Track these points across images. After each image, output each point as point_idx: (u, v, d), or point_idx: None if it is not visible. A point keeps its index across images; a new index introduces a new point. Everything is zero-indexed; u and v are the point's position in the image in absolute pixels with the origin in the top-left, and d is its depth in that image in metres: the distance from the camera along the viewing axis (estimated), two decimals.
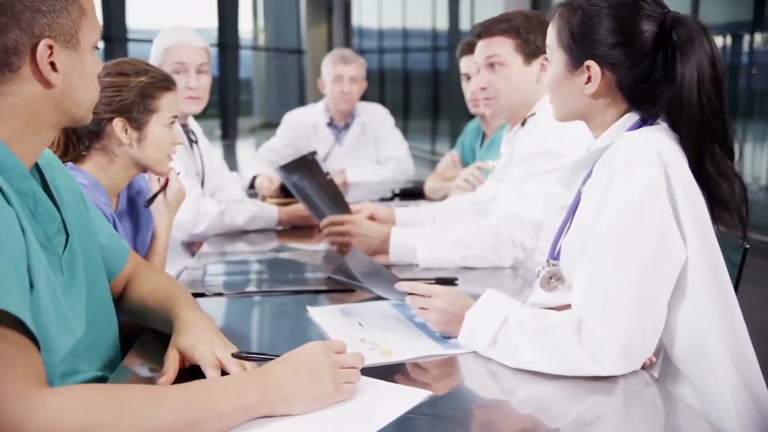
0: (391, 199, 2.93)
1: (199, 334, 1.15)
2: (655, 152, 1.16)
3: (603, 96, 1.28)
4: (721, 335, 1.17)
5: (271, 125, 20.37)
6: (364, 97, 3.47)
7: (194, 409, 0.93)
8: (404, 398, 1.07)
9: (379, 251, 1.86)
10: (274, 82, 19.68)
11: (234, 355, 1.11)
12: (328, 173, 2.14)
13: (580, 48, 1.28)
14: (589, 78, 1.27)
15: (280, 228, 2.37)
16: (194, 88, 2.29)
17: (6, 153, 1.01)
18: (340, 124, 3.41)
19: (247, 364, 1.11)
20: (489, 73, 1.96)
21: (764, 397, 1.21)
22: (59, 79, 1.03)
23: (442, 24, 11.44)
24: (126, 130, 1.59)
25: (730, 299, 1.20)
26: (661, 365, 1.22)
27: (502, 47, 1.93)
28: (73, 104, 1.07)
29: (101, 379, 1.20)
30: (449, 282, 1.66)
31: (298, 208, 2.38)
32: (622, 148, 1.18)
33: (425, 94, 12.37)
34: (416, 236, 1.87)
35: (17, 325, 0.87)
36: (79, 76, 1.06)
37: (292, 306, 1.57)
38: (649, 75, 1.24)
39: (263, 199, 2.90)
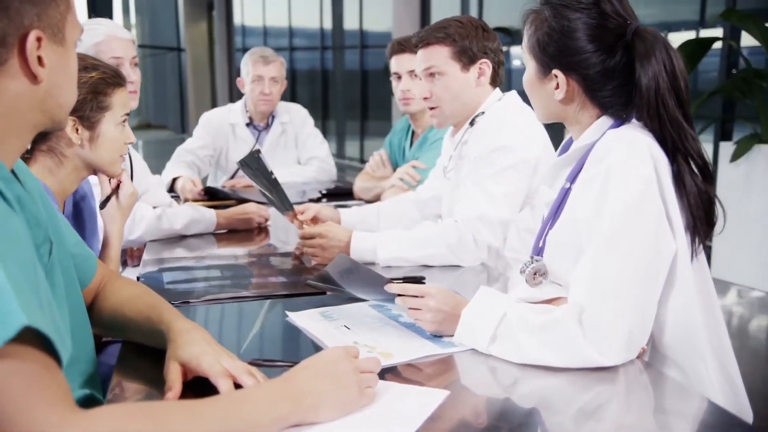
0: (319, 199, 2.89)
1: (201, 345, 1.09)
2: (646, 149, 1.22)
3: (573, 101, 1.34)
4: (705, 321, 1.25)
5: (149, 126, 19.62)
6: None
7: (231, 423, 0.88)
8: (426, 399, 1.07)
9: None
10: (151, 82, 18.90)
11: (251, 362, 1.06)
12: (272, 172, 2.09)
13: (546, 57, 1.32)
14: (558, 85, 1.32)
15: (218, 232, 2.29)
16: (134, 81, 2.18)
17: None
18: (260, 125, 3.33)
19: (257, 374, 1.07)
20: (429, 82, 1.98)
21: (737, 378, 1.30)
22: (45, 75, 0.95)
23: (329, 23, 11.45)
24: (77, 129, 1.49)
25: (710, 287, 1.28)
26: (650, 353, 1.28)
27: (439, 56, 1.94)
28: (56, 105, 0.99)
29: (90, 398, 1.11)
30: (417, 281, 1.66)
31: (236, 211, 2.31)
32: (614, 145, 1.23)
33: (312, 94, 12.33)
34: (377, 237, 1.86)
35: (39, 342, 0.79)
36: (63, 73, 0.99)
37: (267, 311, 1.52)
38: (614, 83, 1.29)
39: (186, 202, 2.79)
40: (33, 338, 0.77)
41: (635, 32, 1.27)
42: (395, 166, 2.90)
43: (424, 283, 1.64)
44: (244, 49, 15.09)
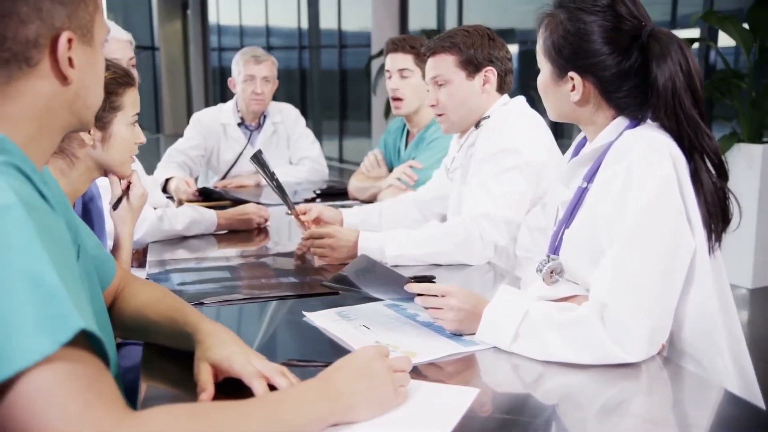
0: (313, 200, 2.89)
1: (231, 346, 1.09)
2: (665, 148, 1.24)
3: (589, 103, 1.35)
4: (722, 315, 1.28)
5: None
6: (227, 98, 3.38)
7: (275, 423, 0.88)
8: (458, 398, 1.08)
9: (351, 255, 1.85)
10: None
11: (285, 363, 1.06)
12: (273, 173, 2.09)
13: (562, 60, 1.34)
14: (573, 87, 1.34)
15: (217, 233, 2.28)
16: None
17: (26, 159, 0.91)
18: (251, 125, 3.31)
19: (289, 374, 1.07)
20: (436, 91, 2.01)
21: (749, 370, 1.33)
22: (75, 76, 0.94)
23: (307, 23, 11.42)
24: (89, 130, 1.47)
25: (724, 281, 1.31)
26: (668, 349, 1.31)
27: (445, 65, 1.98)
28: (84, 106, 0.99)
29: None
30: (427, 280, 1.67)
31: (236, 212, 2.30)
32: (634, 145, 1.25)
33: (289, 94, 12.28)
34: (384, 236, 1.87)
35: (90, 345, 0.79)
36: (92, 74, 0.99)
37: (283, 312, 1.52)
38: (630, 84, 1.31)
39: (180, 203, 2.77)
40: (84, 341, 0.77)
41: (650, 34, 1.29)
42: (390, 166, 2.90)
43: (434, 282, 1.66)
44: (220, 49, 14.99)
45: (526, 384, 1.22)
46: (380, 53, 7.60)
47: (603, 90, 1.33)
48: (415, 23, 8.63)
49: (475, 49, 1.96)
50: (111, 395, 0.77)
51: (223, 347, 1.09)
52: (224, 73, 14.98)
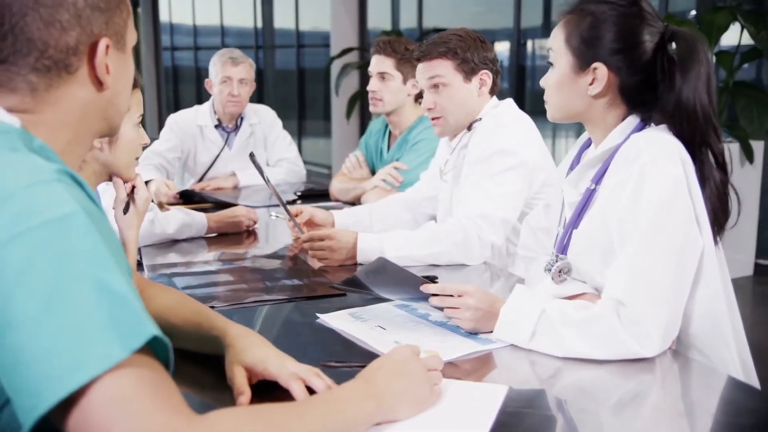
0: (294, 201, 2.89)
1: (264, 349, 1.11)
2: (675, 150, 1.29)
3: (604, 97, 1.39)
4: (727, 310, 1.34)
5: None
6: (181, 98, 3.37)
7: (328, 424, 0.90)
8: (490, 395, 1.10)
9: (349, 257, 1.86)
10: None
11: (323, 365, 1.08)
12: (266, 176, 2.09)
13: (588, 50, 1.38)
14: (594, 80, 1.38)
15: (207, 236, 2.26)
16: None
17: (67, 167, 0.91)
18: (228, 127, 3.29)
19: (323, 376, 1.08)
20: (433, 94, 2.03)
21: (749, 363, 1.39)
22: (110, 82, 0.95)
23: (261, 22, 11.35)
24: (116, 135, 1.46)
25: (727, 276, 1.37)
26: (676, 342, 1.36)
27: (443, 68, 2.01)
28: (116, 112, 1.00)
29: None
30: (430, 280, 1.70)
31: (226, 215, 2.29)
32: (645, 148, 1.30)
33: None
34: (383, 237, 1.89)
35: (153, 350, 0.79)
36: (123, 80, 0.99)
37: (294, 314, 1.53)
38: (648, 81, 1.37)
39: (161, 206, 2.74)
40: (148, 346, 0.77)
41: (674, 33, 1.34)
42: (372, 168, 2.92)
43: (437, 282, 1.69)
44: (173, 48, 14.73)
45: (543, 380, 1.26)
46: (341, 54, 7.62)
47: (621, 84, 1.37)
48: (374, 23, 8.66)
49: (471, 52, 2.00)
50: (177, 400, 0.77)
51: (256, 350, 1.10)
52: (177, 72, 14.74)
